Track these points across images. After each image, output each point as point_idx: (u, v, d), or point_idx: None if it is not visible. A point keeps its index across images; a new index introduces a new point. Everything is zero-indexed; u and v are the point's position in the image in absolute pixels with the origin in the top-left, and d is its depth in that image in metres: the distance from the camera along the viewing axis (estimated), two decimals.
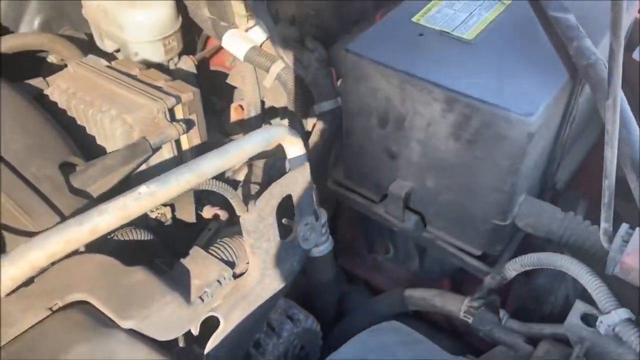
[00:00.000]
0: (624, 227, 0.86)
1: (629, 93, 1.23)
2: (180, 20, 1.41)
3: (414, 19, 1.08)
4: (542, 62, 0.97)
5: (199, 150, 1.19)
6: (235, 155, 0.91)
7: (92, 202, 0.92)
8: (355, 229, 1.45)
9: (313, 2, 1.29)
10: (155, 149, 1.03)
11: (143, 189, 0.78)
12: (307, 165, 0.96)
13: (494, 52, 0.99)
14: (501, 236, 1.04)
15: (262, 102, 1.48)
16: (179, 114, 1.11)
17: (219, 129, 1.57)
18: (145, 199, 0.78)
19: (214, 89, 1.61)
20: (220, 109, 1.62)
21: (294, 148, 1.02)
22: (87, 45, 1.49)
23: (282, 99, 1.44)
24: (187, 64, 1.47)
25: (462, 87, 0.92)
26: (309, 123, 1.39)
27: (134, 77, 1.16)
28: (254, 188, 1.26)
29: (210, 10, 1.43)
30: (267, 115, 1.50)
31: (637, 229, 0.84)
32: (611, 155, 0.77)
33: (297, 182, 0.94)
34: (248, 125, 1.45)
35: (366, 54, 1.01)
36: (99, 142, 1.08)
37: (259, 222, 0.88)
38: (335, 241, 1.24)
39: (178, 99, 1.09)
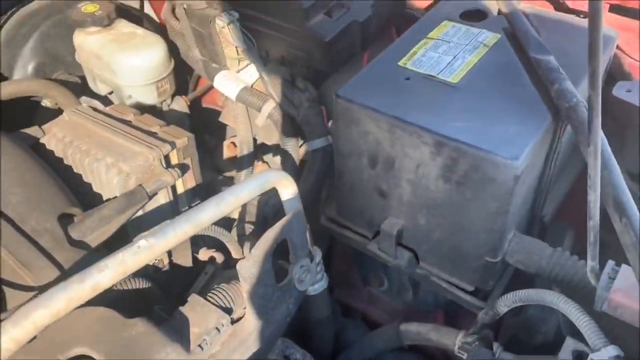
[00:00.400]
0: (610, 264, 0.88)
1: (614, 128, 1.28)
2: (172, 63, 1.44)
3: (400, 63, 1.11)
4: (526, 104, 1.00)
5: (194, 190, 1.22)
6: (231, 202, 0.93)
7: (90, 253, 0.94)
8: (349, 262, 1.47)
9: (302, 44, 1.33)
10: (152, 196, 1.05)
11: (142, 242, 0.80)
12: (301, 209, 0.99)
13: (478, 95, 1.02)
14: (492, 272, 1.06)
15: (255, 140, 1.50)
16: (174, 159, 1.14)
17: (212, 166, 1.59)
18: (144, 253, 0.79)
19: (206, 126, 1.64)
20: (213, 146, 1.65)
21: (288, 190, 1.04)
22: (81, 88, 1.52)
23: (274, 136, 1.47)
24: (180, 104, 1.50)
25: (449, 131, 0.95)
26: (301, 160, 1.42)
27: (128, 123, 1.19)
28: (249, 228, 1.28)
29: (201, 52, 1.46)
30: (260, 152, 1.53)
31: (623, 265, 0.87)
32: (594, 198, 0.80)
33: (291, 226, 0.96)
34: (241, 163, 1.47)
35: (356, 99, 1.05)
36: (95, 189, 1.10)
37: (254, 269, 0.90)
38: (331, 274, 1.26)
39: (173, 145, 1.12)
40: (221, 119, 1.58)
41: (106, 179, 1.05)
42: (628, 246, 0.80)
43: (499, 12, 1.22)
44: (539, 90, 1.02)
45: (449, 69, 1.08)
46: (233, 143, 1.56)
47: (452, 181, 0.98)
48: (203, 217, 0.87)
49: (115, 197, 1.04)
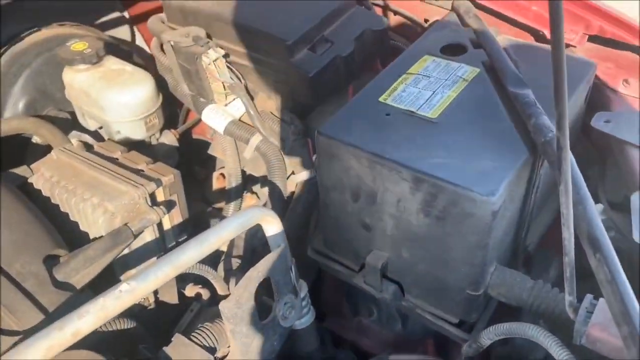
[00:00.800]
0: (588, 298, 0.90)
1: (596, 156, 1.30)
2: (160, 97, 1.46)
3: (381, 99, 1.13)
4: (503, 139, 1.02)
5: (181, 226, 1.23)
6: (214, 242, 0.94)
7: (75, 295, 0.95)
8: (339, 292, 1.47)
9: (287, 79, 1.35)
10: (137, 235, 1.07)
11: (124, 286, 0.81)
12: (285, 245, 1.00)
13: (456, 131, 1.04)
14: (475, 305, 1.07)
15: (243, 172, 1.52)
16: (160, 197, 1.15)
17: (202, 197, 1.61)
18: (126, 297, 0.80)
19: (196, 157, 1.66)
20: (203, 178, 1.67)
21: (272, 227, 1.05)
22: (71, 124, 1.54)
23: (261, 168, 1.48)
24: (169, 138, 1.52)
25: (427, 168, 0.97)
26: (289, 191, 1.43)
27: (115, 161, 1.20)
28: (235, 262, 1.29)
29: (189, 87, 1.49)
30: (249, 183, 1.55)
31: (601, 299, 0.88)
32: (568, 236, 0.82)
33: (274, 265, 0.97)
34: (229, 195, 1.49)
35: (337, 136, 1.06)
36: (82, 228, 1.11)
37: (237, 308, 0.91)
38: (321, 304, 1.26)
39: (159, 183, 1.13)
40: (210, 151, 1.60)
41: (92, 218, 1.07)
42: (602, 282, 0.80)
43: (478, 45, 1.24)
44: (516, 125, 1.04)
45: (428, 104, 1.10)
46: (222, 175, 1.58)
47: (432, 216, 0.99)
48: (184, 259, 0.89)
49: (101, 236, 1.05)
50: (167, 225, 1.19)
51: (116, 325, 0.95)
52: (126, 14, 1.98)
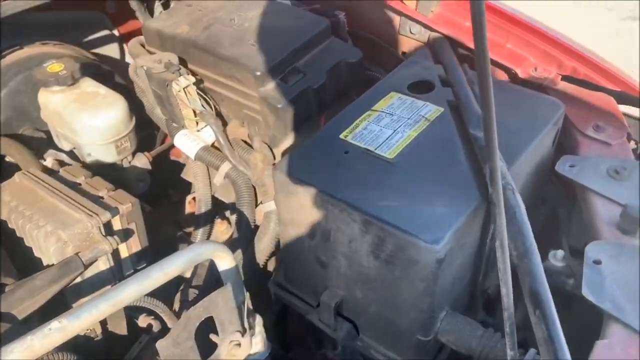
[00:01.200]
0: (532, 352, 0.87)
1: (565, 198, 1.27)
2: (133, 121, 1.46)
3: (342, 135, 1.12)
4: (458, 183, 1.00)
5: (140, 254, 1.22)
6: (157, 279, 0.93)
7: (18, 325, 0.94)
8: (304, 324, 1.46)
9: (258, 108, 1.34)
10: (88, 265, 1.06)
11: (54, 324, 0.80)
12: (228, 286, 0.99)
13: (411, 173, 1.03)
14: (427, 349, 1.05)
15: (214, 197, 1.52)
16: (117, 225, 1.15)
17: (174, 221, 1.60)
18: (55, 335, 0.80)
19: (171, 180, 1.66)
20: (177, 201, 1.66)
21: (224, 262, 1.04)
22: (47, 144, 1.54)
23: (232, 195, 1.47)
24: (141, 161, 1.52)
25: (376, 211, 0.95)
26: (258, 220, 1.43)
27: (77, 187, 1.20)
28: (193, 293, 1.28)
29: (162, 111, 1.49)
30: (220, 209, 1.54)
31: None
32: (506, 291, 0.80)
33: (217, 304, 0.96)
34: (198, 221, 1.48)
35: (293, 173, 1.06)
36: (36, 254, 1.11)
37: (174, 348, 0.90)
38: (287, 334, 1.23)
39: (115, 211, 1.13)
40: (183, 175, 1.59)
41: (44, 246, 1.07)
42: (540, 340, 0.79)
43: (446, 83, 1.23)
44: (473, 169, 1.02)
45: (387, 143, 1.09)
46: (194, 199, 1.58)
47: (382, 259, 0.98)
48: (122, 296, 0.88)
49: (52, 265, 1.04)
50: (124, 254, 1.18)
51: (56, 358, 0.95)
52: (116, 32, 2.00)
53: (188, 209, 1.60)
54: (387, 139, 1.10)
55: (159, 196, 1.67)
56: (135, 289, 0.90)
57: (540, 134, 1.14)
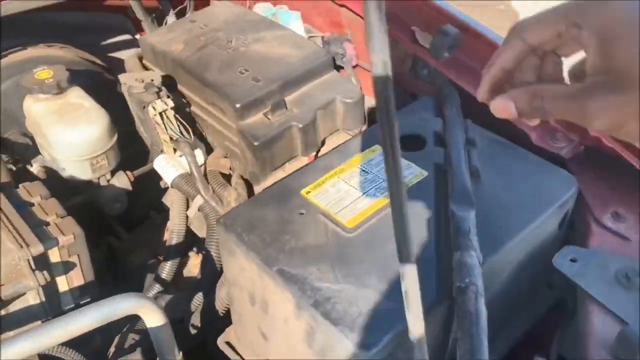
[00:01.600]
0: None
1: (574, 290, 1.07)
2: (114, 138, 1.38)
3: (303, 191, 0.98)
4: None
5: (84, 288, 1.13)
6: (59, 336, 0.83)
7: None
8: None
9: (237, 141, 1.23)
10: (8, 300, 0.98)
11: None
12: (165, 338, 0.87)
13: (366, 251, 0.87)
14: None
15: (189, 229, 1.41)
16: (55, 257, 1.06)
17: (150, 247, 1.51)
18: None
19: (155, 202, 1.57)
20: (159, 224, 1.57)
21: (152, 318, 0.93)
22: (33, 149, 1.49)
23: (204, 229, 1.37)
24: (122, 180, 1.43)
25: (312, 294, 0.81)
26: None
27: (27, 209, 1.13)
28: (132, 339, 1.17)
29: (145, 130, 1.40)
30: (195, 242, 1.43)
31: None
32: None
33: None
34: (168, 252, 1.38)
35: (235, 230, 0.93)
36: None
37: None
38: None
39: (53, 243, 1.04)
40: (163, 199, 1.50)
41: None
42: None
43: (440, 142, 1.07)
44: (438, 256, 0.86)
45: (351, 207, 0.94)
46: None
47: (315, 350, 0.83)
48: (20, 347, 0.78)
49: None
50: (63, 287, 1.09)
51: None
52: (138, 37, 1.94)
53: (166, 236, 1.50)
54: (352, 202, 0.95)
55: (143, 218, 1.58)
56: (35, 341, 0.80)
57: (541, 216, 0.96)
